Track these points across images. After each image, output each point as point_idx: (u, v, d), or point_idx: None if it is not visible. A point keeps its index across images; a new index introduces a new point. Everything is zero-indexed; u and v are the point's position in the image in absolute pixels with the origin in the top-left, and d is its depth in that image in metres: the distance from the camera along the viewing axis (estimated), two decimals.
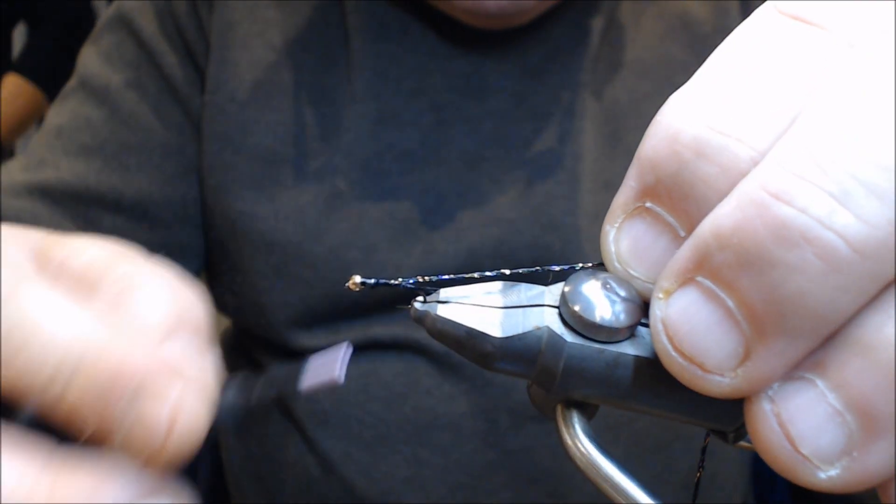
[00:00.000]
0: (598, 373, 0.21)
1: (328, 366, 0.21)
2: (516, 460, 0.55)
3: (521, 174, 0.56)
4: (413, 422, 0.55)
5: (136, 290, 0.22)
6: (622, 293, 0.21)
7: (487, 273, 0.23)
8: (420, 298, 0.22)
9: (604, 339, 0.21)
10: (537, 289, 0.22)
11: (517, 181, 0.56)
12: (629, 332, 0.21)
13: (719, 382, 0.18)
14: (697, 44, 0.59)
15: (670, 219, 0.19)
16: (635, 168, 0.20)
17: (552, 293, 0.22)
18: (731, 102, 0.18)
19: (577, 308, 0.20)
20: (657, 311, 0.19)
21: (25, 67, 1.49)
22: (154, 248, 0.65)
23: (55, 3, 1.53)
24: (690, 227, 0.19)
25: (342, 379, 0.21)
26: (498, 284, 0.22)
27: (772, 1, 0.20)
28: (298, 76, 0.58)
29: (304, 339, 0.58)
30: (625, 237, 0.20)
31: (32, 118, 1.49)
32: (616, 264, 0.20)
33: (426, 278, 0.22)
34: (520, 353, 0.21)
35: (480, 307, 0.21)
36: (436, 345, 0.52)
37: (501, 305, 0.22)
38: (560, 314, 0.21)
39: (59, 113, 0.61)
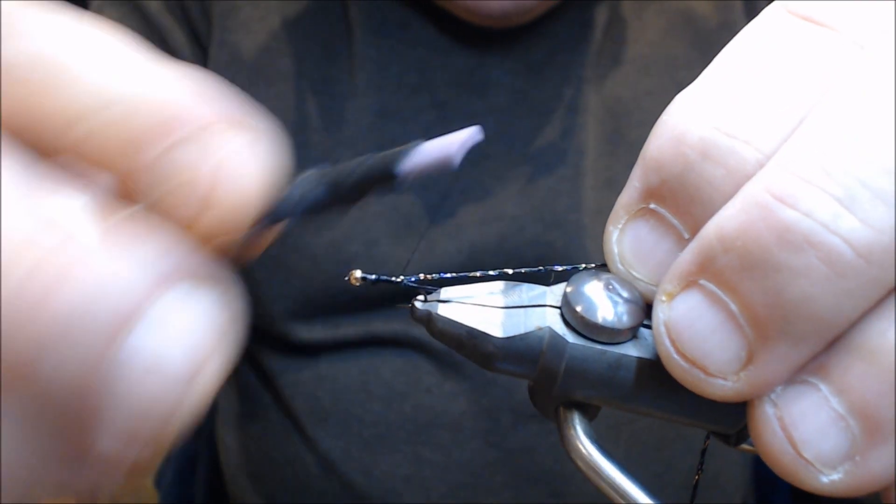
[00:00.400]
0: (600, 374, 0.21)
1: (445, 145, 0.17)
2: (517, 459, 0.55)
3: (523, 170, 0.56)
4: (413, 420, 0.55)
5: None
6: (624, 294, 0.20)
7: (490, 272, 0.22)
8: (421, 297, 0.22)
9: (606, 341, 0.20)
10: (539, 289, 0.22)
11: (519, 177, 0.56)
12: (631, 334, 0.21)
13: (722, 386, 0.18)
14: (700, 40, 0.59)
15: (674, 221, 0.19)
16: (640, 168, 0.20)
17: (554, 293, 0.21)
18: (739, 104, 0.18)
19: (579, 309, 0.20)
20: (660, 313, 0.19)
21: None
22: None
23: None
24: (695, 230, 0.19)
25: (458, 161, 0.17)
26: (499, 284, 0.22)
27: (781, 0, 0.19)
28: (299, 65, 0.58)
29: (302, 331, 0.57)
30: (628, 238, 0.20)
31: None
32: (619, 265, 0.20)
33: (428, 276, 0.22)
34: (521, 354, 0.21)
35: (482, 307, 0.21)
36: (437, 342, 0.52)
37: (503, 305, 0.21)
38: (562, 315, 0.21)
39: None
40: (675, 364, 0.19)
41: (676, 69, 0.58)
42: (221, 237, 0.16)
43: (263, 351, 0.61)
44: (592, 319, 0.20)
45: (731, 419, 0.21)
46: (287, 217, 0.17)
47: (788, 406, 0.18)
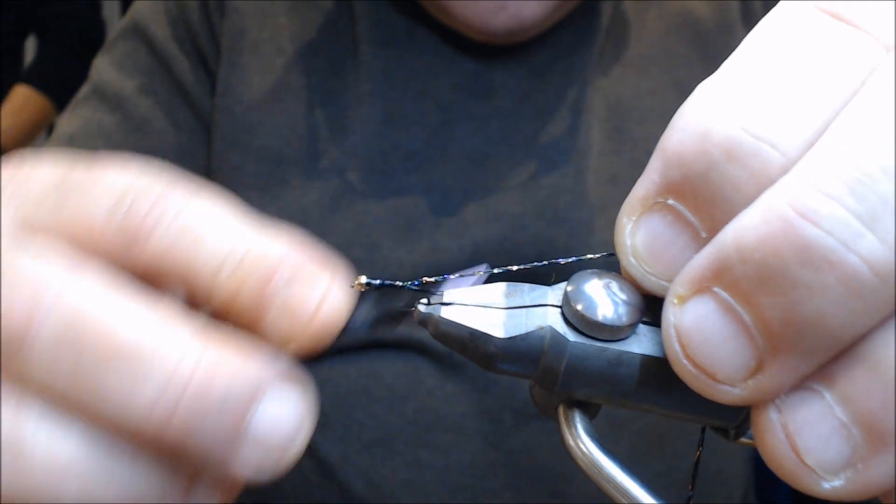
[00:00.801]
0: (601, 371, 0.21)
1: (467, 283, 0.22)
2: (519, 460, 0.55)
3: (525, 169, 0.56)
4: (415, 423, 0.55)
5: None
6: (624, 292, 0.21)
7: (493, 271, 0.23)
8: (423, 300, 0.22)
9: (606, 338, 0.21)
10: (540, 289, 0.22)
11: (522, 176, 0.56)
12: (631, 331, 0.21)
13: (728, 392, 0.18)
14: (699, 40, 0.59)
15: (693, 218, 0.19)
16: (659, 161, 0.19)
17: (555, 293, 0.22)
18: (766, 103, 0.18)
19: (579, 307, 0.20)
20: (670, 316, 0.19)
21: (35, 78, 1.50)
22: None
23: (65, 15, 1.55)
24: (712, 229, 0.18)
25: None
26: (501, 285, 0.22)
27: None
28: (307, 80, 0.59)
29: None
30: (642, 232, 0.20)
31: (41, 128, 1.50)
32: (631, 258, 0.20)
33: (431, 279, 0.22)
34: (523, 354, 0.21)
35: (483, 308, 0.22)
36: (438, 344, 0.52)
37: (504, 306, 0.22)
38: (563, 314, 0.21)
39: (71, 121, 0.61)
40: (683, 368, 0.19)
41: (676, 68, 0.58)
42: (308, 349, 0.22)
43: None
44: (593, 317, 0.20)
45: (730, 414, 0.21)
46: (351, 335, 0.22)
47: (793, 413, 0.18)
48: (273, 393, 0.20)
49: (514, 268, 0.22)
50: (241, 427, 0.19)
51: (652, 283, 0.20)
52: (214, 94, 0.60)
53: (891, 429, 0.17)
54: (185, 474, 0.20)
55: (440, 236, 0.55)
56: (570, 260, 0.23)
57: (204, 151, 0.60)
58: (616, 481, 0.21)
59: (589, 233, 0.55)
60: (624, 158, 0.56)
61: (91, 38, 1.52)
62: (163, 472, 0.20)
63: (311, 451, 0.57)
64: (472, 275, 0.23)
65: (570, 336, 0.21)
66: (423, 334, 0.22)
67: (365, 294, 0.22)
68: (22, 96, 1.47)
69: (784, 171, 0.17)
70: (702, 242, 0.19)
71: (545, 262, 0.22)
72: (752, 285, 0.17)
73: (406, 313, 0.22)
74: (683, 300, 0.18)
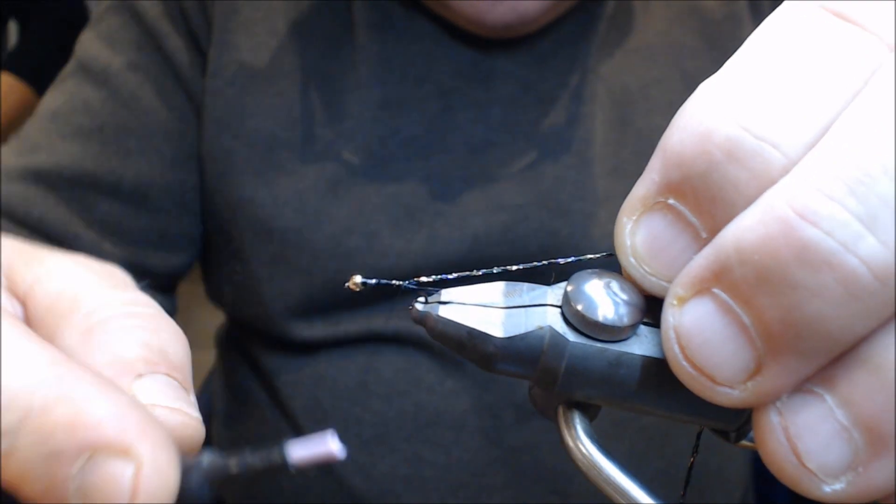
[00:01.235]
0: (601, 372, 0.21)
1: (322, 442, 0.20)
2: (519, 458, 0.55)
3: (527, 159, 0.56)
4: (414, 419, 0.55)
5: (110, 322, 0.20)
6: (625, 292, 0.21)
7: (493, 270, 0.22)
8: (421, 299, 0.22)
9: (606, 339, 0.20)
10: (540, 288, 0.22)
11: (524, 166, 0.56)
12: (632, 332, 0.21)
13: (728, 394, 0.18)
14: (706, 30, 0.59)
15: (693, 219, 0.19)
16: (660, 160, 0.19)
17: (555, 293, 0.21)
18: (768, 103, 0.18)
19: (579, 307, 0.20)
20: (670, 317, 0.19)
21: (17, 66, 1.48)
22: (149, 236, 0.64)
23: (46, 2, 1.53)
24: (713, 230, 0.18)
25: (343, 454, 0.20)
26: (500, 284, 0.22)
27: None
28: (301, 62, 0.58)
29: (303, 330, 0.57)
30: (642, 232, 0.20)
31: (24, 117, 1.48)
32: (631, 259, 0.20)
33: (428, 279, 0.22)
34: (522, 354, 0.21)
35: (482, 307, 0.21)
36: None
37: (503, 305, 0.21)
38: (562, 314, 0.21)
39: (54, 97, 0.60)
40: (682, 370, 0.18)
41: (683, 58, 0.58)
42: None
43: (261, 350, 0.61)
44: (593, 317, 0.20)
45: (731, 416, 0.21)
46: (189, 494, 0.19)
47: (793, 416, 0.18)
48: None
49: (513, 267, 0.22)
50: None
51: (652, 283, 0.20)
52: (205, 76, 0.58)
53: (892, 432, 0.17)
54: None
55: (440, 226, 0.55)
56: (569, 260, 0.23)
57: (194, 133, 0.59)
58: (616, 483, 0.21)
59: (592, 225, 0.55)
60: (628, 149, 0.56)
61: (74, 26, 1.50)
62: None
63: None
64: (471, 275, 0.22)
65: (570, 336, 0.20)
66: (422, 329, 0.22)
67: (201, 451, 0.20)
68: (4, 84, 1.45)
69: (785, 171, 0.17)
70: (702, 243, 0.19)
71: (544, 262, 0.22)
72: (751, 287, 0.17)
73: (268, 468, 0.20)
74: (683, 301, 0.18)
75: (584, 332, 0.20)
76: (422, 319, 0.22)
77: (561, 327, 0.21)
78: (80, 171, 0.57)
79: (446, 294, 0.22)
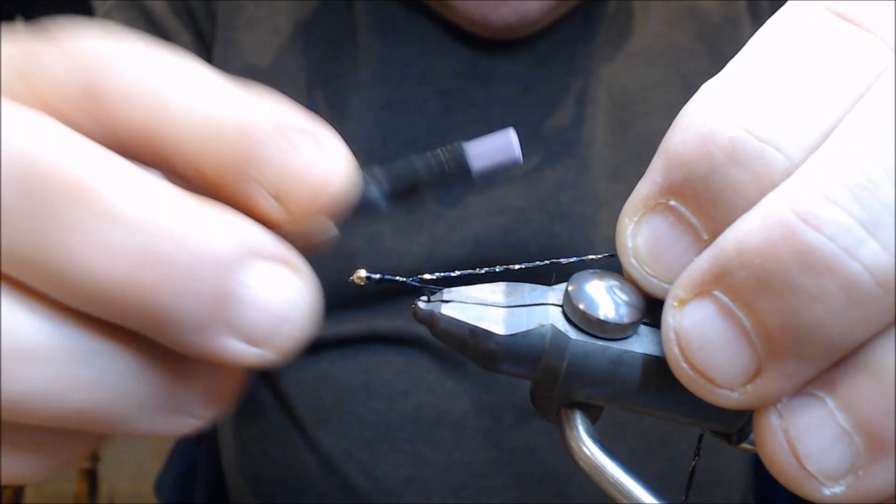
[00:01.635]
0: (602, 370, 0.21)
1: (503, 144, 0.20)
2: (520, 458, 0.55)
3: (529, 162, 0.56)
4: (415, 420, 0.55)
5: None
6: (625, 292, 0.21)
7: (495, 269, 0.22)
8: (424, 297, 0.22)
9: (608, 337, 0.21)
10: (540, 288, 0.22)
11: (525, 169, 0.56)
12: (632, 330, 0.21)
13: (728, 396, 0.18)
14: (705, 33, 0.59)
15: (694, 220, 0.19)
16: (662, 162, 0.19)
17: (556, 293, 0.22)
18: (770, 105, 0.18)
19: (581, 305, 0.20)
20: (670, 318, 0.19)
21: None
22: None
23: (53, 1, 1.53)
24: (714, 232, 0.18)
25: (521, 158, 0.20)
26: (501, 284, 0.22)
27: None
28: (303, 62, 0.58)
29: None
30: (643, 233, 0.20)
31: None
32: (632, 260, 0.20)
33: (431, 276, 0.22)
34: (524, 352, 0.21)
35: (484, 306, 0.21)
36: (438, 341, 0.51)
37: (505, 304, 0.21)
38: (564, 312, 0.21)
39: None
40: (682, 371, 0.19)
41: (682, 61, 0.58)
42: (304, 231, 0.19)
43: None
44: (594, 315, 0.20)
45: (732, 418, 0.21)
46: (360, 214, 0.20)
47: (794, 419, 0.18)
48: (261, 267, 0.18)
49: (515, 266, 0.22)
50: (222, 296, 0.17)
51: (653, 284, 0.20)
52: None
53: (892, 436, 0.17)
54: (167, 368, 0.18)
55: (441, 228, 0.55)
56: (570, 260, 0.23)
57: None
58: (619, 483, 0.21)
59: (592, 228, 0.55)
60: (628, 152, 0.56)
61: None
62: (139, 363, 0.18)
63: (313, 444, 0.57)
64: (473, 274, 0.23)
65: (572, 334, 0.21)
66: (424, 330, 0.22)
67: (372, 171, 0.20)
68: None
69: (787, 174, 0.17)
70: (704, 244, 0.19)
71: (546, 262, 0.22)
72: (752, 290, 0.17)
73: (429, 182, 0.20)
74: (683, 303, 0.18)
75: (586, 330, 0.21)
76: (424, 317, 0.22)
77: (562, 325, 0.21)
78: None
79: (448, 293, 0.22)
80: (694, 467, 0.25)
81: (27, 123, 0.17)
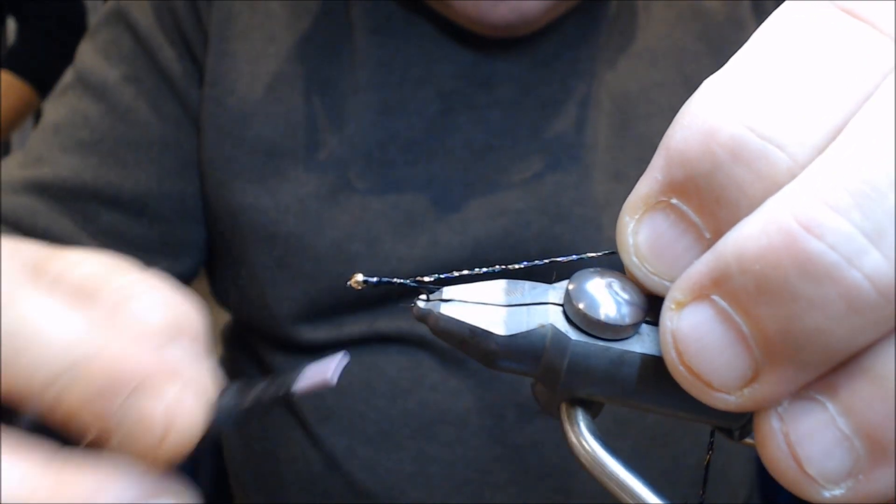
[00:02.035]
0: (603, 371, 0.21)
1: (323, 369, 0.22)
2: (523, 455, 0.55)
3: (529, 164, 0.56)
4: (418, 417, 0.55)
5: (133, 299, 0.22)
6: (627, 291, 0.20)
7: (493, 269, 0.22)
8: (423, 297, 0.22)
9: (608, 337, 0.20)
10: (541, 287, 0.22)
11: (525, 171, 0.56)
12: (634, 330, 0.21)
13: (725, 399, 0.18)
14: (708, 33, 0.59)
15: (696, 219, 0.18)
16: (663, 159, 0.19)
17: (556, 291, 0.21)
18: (775, 101, 0.17)
19: (581, 306, 0.20)
20: (668, 321, 0.18)
21: (16, 64, 1.48)
22: (153, 244, 0.65)
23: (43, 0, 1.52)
24: (716, 231, 0.18)
25: (335, 381, 0.22)
26: (501, 282, 0.22)
27: None
28: (300, 68, 0.58)
29: (307, 332, 0.57)
30: (644, 231, 0.19)
31: (24, 114, 1.48)
32: (633, 258, 0.20)
33: (429, 278, 0.22)
34: (524, 352, 0.21)
35: (484, 305, 0.21)
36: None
37: (505, 303, 0.21)
38: (564, 312, 0.21)
39: (56, 109, 0.60)
40: (679, 374, 0.18)
41: (684, 62, 0.58)
42: (171, 456, 0.20)
43: (266, 350, 0.61)
44: (595, 316, 0.20)
45: (735, 415, 0.21)
46: (214, 431, 0.22)
47: (795, 423, 0.18)
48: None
49: (515, 266, 0.22)
50: None
51: (654, 282, 0.20)
52: (203, 85, 0.59)
53: (892, 441, 0.17)
54: None
55: (441, 231, 0.55)
56: (570, 258, 0.23)
57: (191, 143, 0.59)
58: (620, 480, 0.21)
59: (593, 230, 0.55)
60: (629, 154, 0.56)
61: (71, 23, 1.50)
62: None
63: (317, 442, 0.57)
64: (472, 275, 0.22)
65: (572, 335, 0.20)
66: (425, 328, 0.22)
67: (224, 388, 0.22)
68: (3, 82, 1.45)
69: (791, 175, 0.17)
70: (705, 243, 0.18)
71: (546, 261, 0.22)
72: (751, 296, 0.17)
73: (277, 399, 0.22)
74: (681, 306, 0.18)
75: (586, 330, 0.20)
76: (424, 317, 0.22)
77: (563, 325, 0.21)
78: (81, 183, 0.57)
79: (448, 292, 0.22)
80: (708, 462, 0.25)
81: None
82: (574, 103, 0.56)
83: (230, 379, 0.70)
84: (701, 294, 0.18)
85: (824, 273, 0.16)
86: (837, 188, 0.16)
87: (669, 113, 0.56)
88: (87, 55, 0.61)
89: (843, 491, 0.17)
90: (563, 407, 0.22)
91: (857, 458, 0.17)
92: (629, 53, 0.58)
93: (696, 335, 0.18)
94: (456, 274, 0.22)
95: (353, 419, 0.56)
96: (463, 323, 0.21)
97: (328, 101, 0.57)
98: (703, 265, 0.18)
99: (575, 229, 0.55)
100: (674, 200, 0.19)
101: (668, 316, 0.18)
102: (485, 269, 0.22)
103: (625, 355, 0.20)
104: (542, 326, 0.21)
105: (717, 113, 0.18)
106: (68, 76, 0.62)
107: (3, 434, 0.19)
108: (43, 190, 0.57)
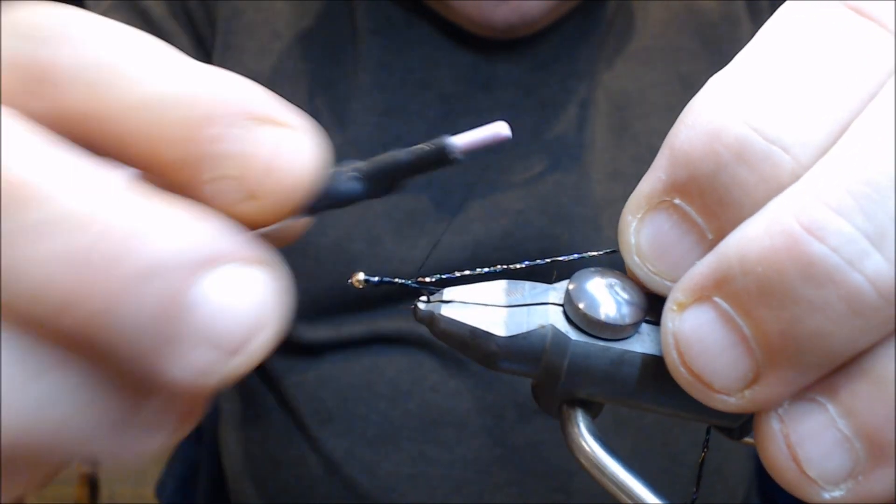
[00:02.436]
0: (603, 370, 0.21)
1: (491, 127, 0.19)
2: (523, 456, 0.55)
3: (528, 164, 0.56)
4: (418, 418, 0.55)
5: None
6: (626, 291, 0.21)
7: (495, 268, 0.22)
8: (423, 298, 0.22)
9: (609, 337, 0.20)
10: (541, 287, 0.22)
11: (524, 172, 0.56)
12: (633, 330, 0.21)
13: (725, 400, 0.18)
14: (704, 33, 0.59)
15: (699, 219, 0.18)
16: (667, 159, 0.18)
17: (556, 291, 0.21)
18: (779, 103, 0.17)
19: (581, 306, 0.20)
20: (669, 322, 0.18)
21: None
22: None
23: None
24: (719, 231, 0.18)
25: (510, 134, 0.19)
26: (502, 283, 0.22)
27: None
28: (304, 66, 0.58)
29: (307, 332, 0.57)
30: (647, 230, 0.19)
31: None
32: (635, 257, 0.20)
33: (429, 279, 0.22)
34: (524, 352, 0.21)
35: (484, 306, 0.21)
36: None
37: (505, 304, 0.21)
38: (564, 312, 0.21)
39: None
40: (680, 375, 0.18)
41: (680, 61, 0.58)
42: (268, 223, 0.17)
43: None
44: (595, 316, 0.20)
45: (734, 415, 0.21)
46: (326, 207, 0.18)
47: (795, 424, 0.18)
48: (222, 271, 0.16)
49: (516, 266, 0.22)
50: (176, 311, 0.15)
51: (656, 282, 0.20)
52: None
53: (892, 443, 0.17)
54: (124, 386, 0.16)
55: (441, 231, 0.55)
56: (571, 257, 0.23)
57: None
58: (619, 480, 0.21)
59: (592, 230, 0.55)
60: (627, 154, 0.56)
61: None
62: (94, 383, 0.16)
63: (316, 445, 0.57)
64: (472, 274, 0.22)
65: (573, 335, 0.20)
66: (425, 329, 0.22)
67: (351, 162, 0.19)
68: None
69: (795, 176, 0.17)
70: (708, 243, 0.18)
71: (547, 260, 0.22)
72: (753, 298, 0.17)
73: (408, 164, 0.19)
74: (683, 307, 0.18)
75: (587, 330, 0.21)
76: (424, 318, 0.22)
77: (563, 326, 0.21)
78: None
79: (448, 293, 0.22)
80: (702, 461, 0.25)
81: None
82: (573, 104, 0.56)
83: (232, 387, 0.69)
84: (703, 295, 0.18)
85: (826, 276, 0.16)
86: (841, 190, 0.16)
87: (666, 112, 0.56)
88: None
89: (842, 492, 0.17)
90: (563, 408, 0.22)
91: (857, 460, 0.17)
92: (626, 54, 0.58)
93: (697, 337, 0.18)
94: (457, 274, 0.22)
95: (352, 421, 0.56)
96: (463, 324, 0.21)
97: (330, 102, 0.57)
98: (705, 266, 0.18)
99: (574, 229, 0.55)
100: (677, 201, 0.19)
101: (670, 317, 0.18)
102: (486, 269, 0.22)
103: (625, 355, 0.20)
104: (543, 327, 0.21)
105: (722, 113, 0.17)
106: None
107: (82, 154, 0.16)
108: None
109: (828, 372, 0.17)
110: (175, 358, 0.15)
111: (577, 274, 0.21)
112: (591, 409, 0.22)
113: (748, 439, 0.22)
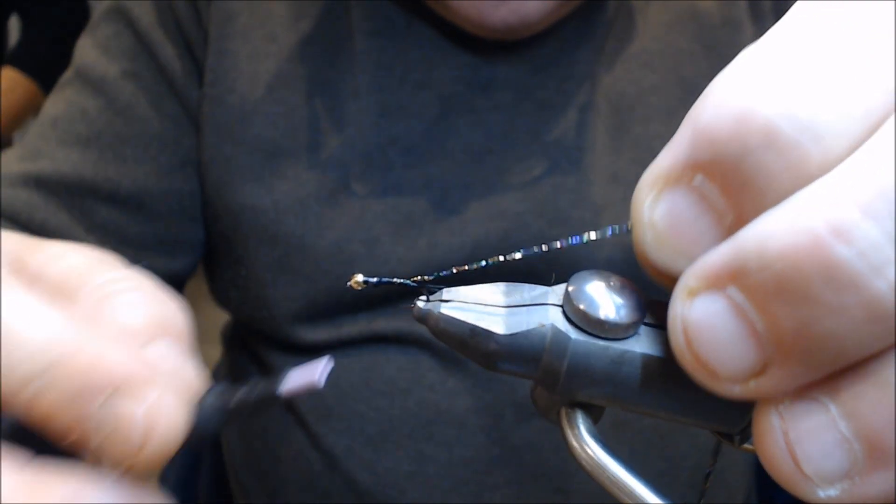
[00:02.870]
0: (603, 370, 0.21)
1: (309, 372, 0.22)
2: (521, 456, 0.55)
3: (526, 167, 0.56)
4: (417, 417, 0.55)
5: (115, 296, 0.22)
6: (625, 292, 0.20)
7: (497, 260, 0.22)
8: (423, 297, 0.22)
9: (609, 337, 0.20)
10: (540, 289, 0.22)
11: (524, 174, 0.56)
12: (633, 330, 0.21)
13: (729, 389, 0.18)
14: (704, 35, 0.58)
15: (719, 201, 0.18)
16: (689, 136, 0.18)
17: (556, 293, 0.21)
18: (815, 87, 0.16)
19: (581, 306, 0.20)
20: (679, 307, 0.18)
21: (20, 60, 1.48)
22: (149, 240, 0.65)
23: None
24: (740, 216, 0.17)
25: (322, 383, 0.22)
26: (501, 285, 0.22)
27: None
28: (300, 69, 0.58)
29: (306, 333, 0.57)
30: (663, 207, 0.18)
31: (29, 111, 1.48)
32: (647, 234, 0.19)
33: (428, 278, 0.22)
34: (524, 352, 0.21)
35: (483, 306, 0.21)
36: None
37: (505, 304, 0.21)
38: (564, 312, 0.21)
39: (55, 103, 0.60)
40: (686, 360, 0.18)
41: (680, 64, 0.57)
42: (152, 460, 0.20)
43: (266, 350, 0.61)
44: (595, 315, 0.20)
45: (735, 420, 0.21)
46: (197, 434, 0.21)
47: (795, 422, 0.17)
48: None
49: (517, 255, 0.22)
50: None
51: (664, 261, 0.19)
52: (203, 84, 0.59)
53: (892, 447, 0.17)
54: None
55: (439, 233, 0.55)
56: (570, 243, 0.22)
57: (190, 141, 0.59)
58: (621, 481, 0.20)
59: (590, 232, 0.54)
60: (626, 157, 0.56)
61: (76, 21, 1.51)
62: None
63: (316, 442, 0.57)
64: (471, 270, 0.22)
65: (572, 334, 0.20)
66: (424, 329, 0.21)
67: (208, 389, 0.22)
68: (8, 79, 1.45)
69: (825, 168, 0.16)
70: (726, 227, 0.18)
71: (556, 243, 0.21)
72: (769, 293, 0.16)
73: (262, 401, 0.22)
74: (694, 294, 0.18)
75: (587, 330, 0.20)
76: (424, 317, 0.22)
77: (563, 325, 0.21)
78: (79, 178, 0.57)
79: (448, 293, 0.22)
80: (710, 473, 0.24)
81: None
82: (572, 106, 0.56)
83: (231, 379, 0.71)
84: (716, 284, 0.17)
85: (849, 281, 0.15)
86: (871, 191, 0.15)
87: (666, 115, 0.56)
88: (87, 50, 0.60)
89: (837, 492, 0.17)
90: (563, 411, 0.22)
91: (855, 461, 0.17)
92: (626, 56, 0.58)
93: (706, 325, 0.17)
94: (455, 270, 0.22)
95: (352, 419, 0.56)
96: (463, 323, 0.21)
97: (328, 103, 0.57)
98: (721, 255, 0.17)
99: (572, 231, 0.55)
100: (697, 181, 0.18)
101: (680, 302, 0.18)
102: (484, 263, 0.22)
103: (625, 355, 0.20)
104: (543, 326, 0.21)
105: (753, 93, 0.17)
106: (68, 72, 0.61)
107: None
108: (40, 184, 0.57)
109: (835, 371, 0.17)
110: None
111: (575, 276, 0.21)
112: (592, 413, 0.22)
113: (748, 446, 0.21)
